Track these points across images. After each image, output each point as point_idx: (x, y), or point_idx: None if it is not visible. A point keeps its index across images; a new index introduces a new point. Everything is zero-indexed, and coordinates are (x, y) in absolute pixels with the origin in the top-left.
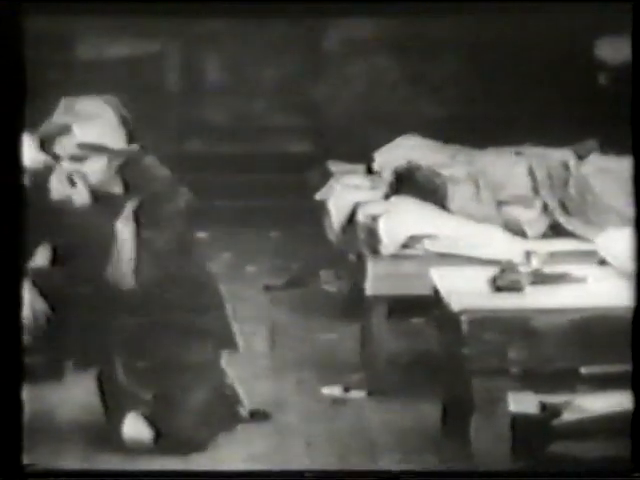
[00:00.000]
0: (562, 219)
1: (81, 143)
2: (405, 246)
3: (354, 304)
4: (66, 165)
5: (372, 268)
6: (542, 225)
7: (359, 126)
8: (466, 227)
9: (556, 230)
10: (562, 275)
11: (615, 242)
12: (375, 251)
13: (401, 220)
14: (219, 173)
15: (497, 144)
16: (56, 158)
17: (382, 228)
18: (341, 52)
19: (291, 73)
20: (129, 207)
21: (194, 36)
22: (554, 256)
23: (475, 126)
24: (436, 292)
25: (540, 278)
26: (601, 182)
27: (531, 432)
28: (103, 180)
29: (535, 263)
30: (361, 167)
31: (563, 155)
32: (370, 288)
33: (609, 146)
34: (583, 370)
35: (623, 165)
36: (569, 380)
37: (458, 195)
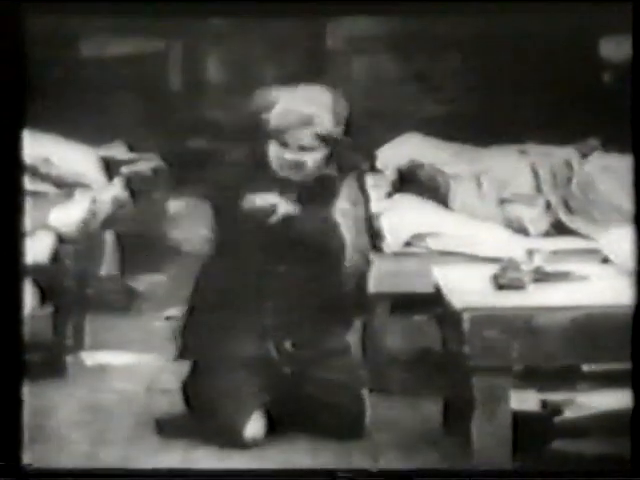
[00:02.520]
0: (565, 217)
1: (319, 134)
2: (408, 244)
3: (356, 301)
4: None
5: (375, 266)
6: (545, 223)
7: (361, 124)
8: (468, 225)
9: (559, 228)
10: (564, 273)
11: (618, 240)
12: (378, 249)
13: (404, 218)
14: (222, 171)
15: (500, 142)
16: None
17: (385, 226)
18: (343, 51)
19: (293, 72)
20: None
21: (197, 35)
22: (556, 254)
23: (478, 124)
24: (438, 290)
25: (542, 276)
26: (604, 180)
27: (532, 430)
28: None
29: (537, 261)
30: (364, 165)
31: (566, 153)
32: (372, 285)
33: (612, 144)
34: (585, 368)
35: (626, 163)
36: (571, 378)
37: (461, 193)
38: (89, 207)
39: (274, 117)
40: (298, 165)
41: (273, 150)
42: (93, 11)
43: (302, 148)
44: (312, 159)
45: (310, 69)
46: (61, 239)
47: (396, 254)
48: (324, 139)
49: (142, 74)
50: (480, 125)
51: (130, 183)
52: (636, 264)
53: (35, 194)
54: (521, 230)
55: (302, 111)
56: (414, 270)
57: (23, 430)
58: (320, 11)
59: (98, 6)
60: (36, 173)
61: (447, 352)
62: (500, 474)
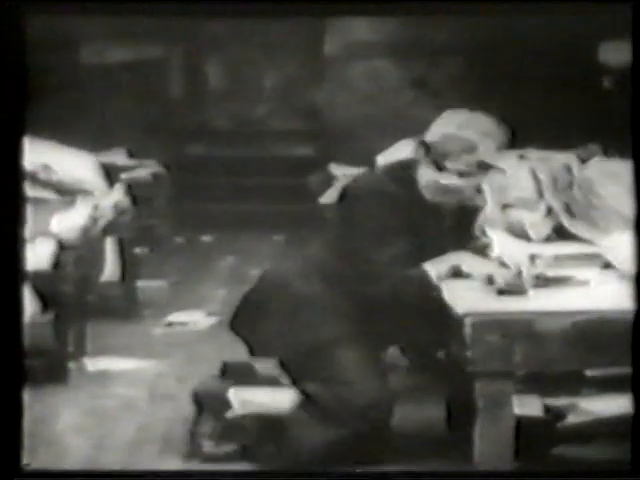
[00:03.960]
0: (566, 222)
1: (481, 162)
2: None
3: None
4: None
5: None
6: (546, 228)
7: (361, 129)
8: None
9: (560, 233)
10: (566, 278)
11: (620, 245)
12: None
13: None
14: (222, 177)
15: (500, 148)
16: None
17: None
18: (343, 55)
19: (293, 76)
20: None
21: (197, 40)
22: (558, 259)
23: None
24: (439, 294)
25: (544, 281)
26: (605, 185)
27: (535, 435)
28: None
29: (539, 266)
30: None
31: (566, 158)
32: None
33: (613, 149)
34: (587, 373)
35: (627, 168)
36: (573, 383)
37: None
38: (90, 213)
39: (431, 139)
40: (453, 191)
41: (425, 173)
42: (93, 15)
43: (461, 174)
44: (469, 186)
45: (310, 74)
46: (62, 245)
47: None
48: (484, 167)
49: (142, 80)
50: None
51: (131, 189)
52: (637, 269)
53: (36, 200)
54: (522, 235)
55: (465, 137)
56: None
57: (23, 436)
58: (320, 15)
59: (98, 10)
60: (36, 179)
61: (449, 357)
62: (502, 474)
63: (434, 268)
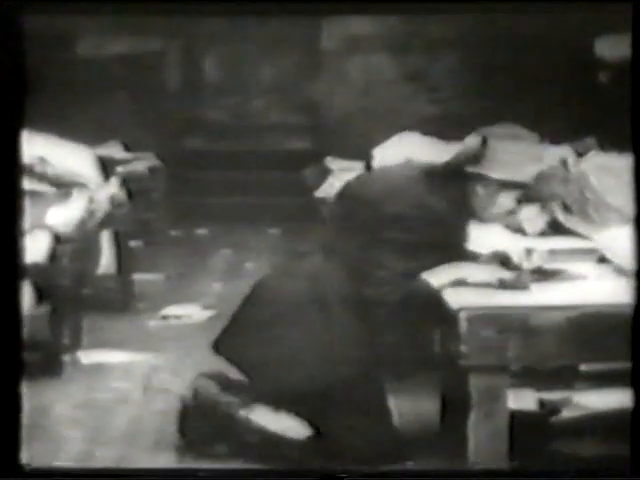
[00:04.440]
0: (561, 216)
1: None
2: None
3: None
4: None
5: None
6: (541, 222)
7: (357, 123)
8: None
9: (555, 227)
10: (561, 272)
11: (615, 240)
12: None
13: None
14: (218, 170)
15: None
16: None
17: None
18: (339, 50)
19: (290, 71)
20: None
21: (194, 34)
22: (553, 253)
23: (473, 124)
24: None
25: (539, 275)
26: (600, 179)
27: (530, 429)
28: None
29: (535, 260)
30: (360, 164)
31: (562, 152)
32: None
33: (609, 143)
34: (582, 367)
35: (622, 162)
36: (568, 377)
37: None
38: (86, 206)
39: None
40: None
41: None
42: (90, 10)
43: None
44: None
45: (306, 68)
46: (58, 238)
47: None
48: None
49: (139, 73)
50: (476, 124)
51: (127, 183)
52: (636, 264)
53: (32, 193)
54: (518, 229)
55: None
56: None
57: (21, 429)
58: (316, 11)
59: (95, 5)
60: (32, 172)
61: (444, 352)
62: (497, 473)
63: (436, 279)
